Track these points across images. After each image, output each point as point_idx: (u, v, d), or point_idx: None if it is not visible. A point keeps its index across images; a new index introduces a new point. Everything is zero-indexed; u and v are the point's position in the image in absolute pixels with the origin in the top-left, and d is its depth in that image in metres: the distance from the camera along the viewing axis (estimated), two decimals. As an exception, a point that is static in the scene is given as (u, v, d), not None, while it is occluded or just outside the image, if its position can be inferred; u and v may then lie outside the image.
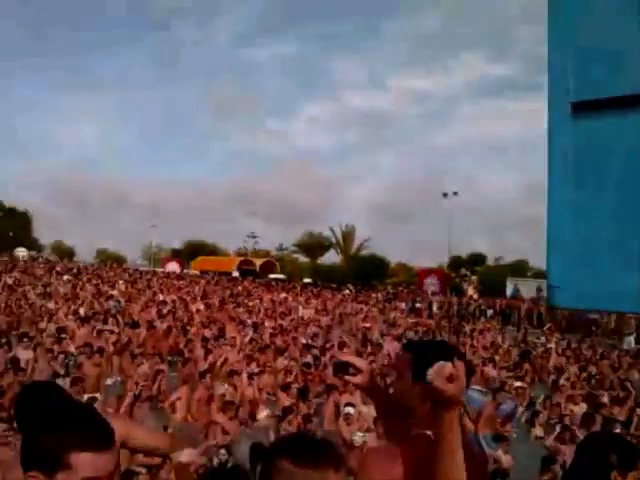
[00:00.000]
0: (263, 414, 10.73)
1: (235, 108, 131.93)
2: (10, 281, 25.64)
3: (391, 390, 2.44)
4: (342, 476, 1.65)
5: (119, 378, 12.38)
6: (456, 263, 53.78)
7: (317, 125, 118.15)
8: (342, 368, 2.50)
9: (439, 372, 1.82)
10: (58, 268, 37.59)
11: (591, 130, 2.28)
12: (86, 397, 8.88)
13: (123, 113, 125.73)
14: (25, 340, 12.19)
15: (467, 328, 24.48)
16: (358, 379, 2.46)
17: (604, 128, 2.25)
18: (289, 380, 12.18)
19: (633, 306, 2.20)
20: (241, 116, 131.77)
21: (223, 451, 8.15)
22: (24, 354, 11.41)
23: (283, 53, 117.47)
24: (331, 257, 66.66)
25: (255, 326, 19.10)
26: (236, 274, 51.15)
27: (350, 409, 9.56)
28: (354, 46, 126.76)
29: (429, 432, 2.04)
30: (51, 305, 19.36)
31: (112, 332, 15.19)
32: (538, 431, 11.11)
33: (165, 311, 20.37)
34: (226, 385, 11.01)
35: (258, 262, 56.21)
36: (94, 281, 30.42)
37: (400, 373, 2.26)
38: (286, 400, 10.89)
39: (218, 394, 10.43)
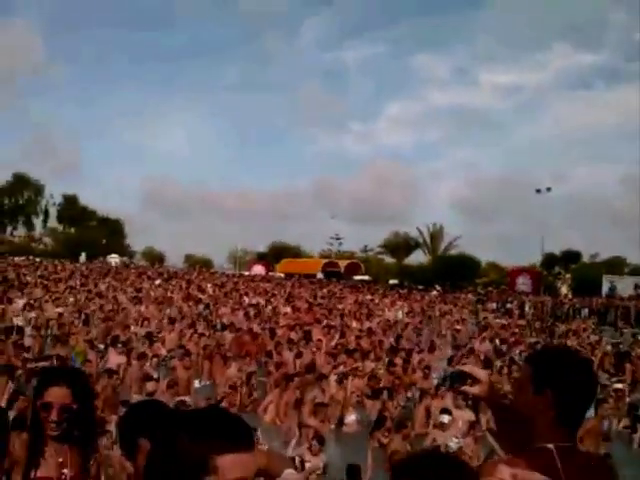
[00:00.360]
0: (351, 418, 10.58)
1: (320, 111, 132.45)
2: (103, 287, 26.56)
3: (511, 400, 2.39)
4: None
5: (208, 382, 12.55)
6: (550, 261, 51.86)
7: (402, 124, 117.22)
8: (460, 379, 2.39)
9: None
10: (149, 273, 38.72)
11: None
12: (177, 399, 8.95)
13: (210, 119, 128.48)
14: (119, 345, 12.51)
15: (561, 329, 23.52)
16: (476, 389, 2.35)
17: None
18: (377, 386, 11.93)
19: None
20: (326, 119, 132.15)
21: (315, 442, 8.08)
22: (117, 358, 11.69)
23: (367, 54, 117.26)
24: (417, 257, 65.94)
25: (342, 328, 18.98)
26: (320, 276, 51.27)
27: (446, 417, 9.24)
28: (439, 43, 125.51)
29: (550, 445, 1.99)
30: (143, 309, 19.89)
31: (202, 335, 15.44)
32: (640, 438, 10.45)
33: (252, 314, 20.59)
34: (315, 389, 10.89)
35: (342, 264, 56.18)
36: (184, 285, 31.20)
37: (521, 385, 2.19)
38: (373, 408, 10.71)
39: (309, 397, 10.33)
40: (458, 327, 21.81)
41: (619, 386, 12.23)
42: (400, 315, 24.58)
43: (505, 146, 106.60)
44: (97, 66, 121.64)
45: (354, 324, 20.45)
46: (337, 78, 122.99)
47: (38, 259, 45.24)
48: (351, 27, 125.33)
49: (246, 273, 52.29)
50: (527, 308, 30.69)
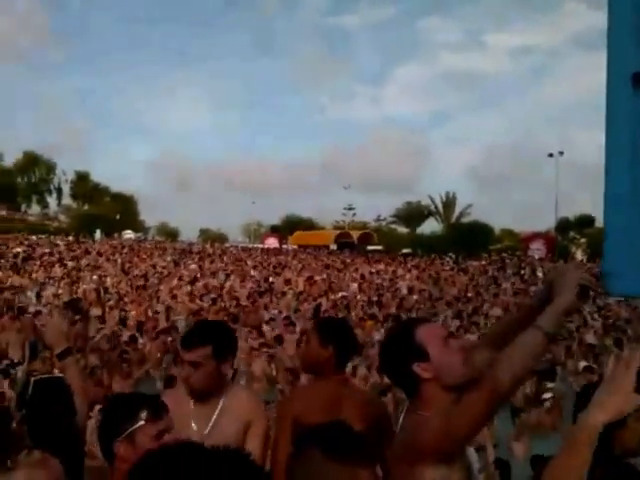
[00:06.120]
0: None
1: (328, 78, 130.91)
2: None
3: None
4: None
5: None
6: (564, 226, 51.30)
7: (412, 90, 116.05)
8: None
9: None
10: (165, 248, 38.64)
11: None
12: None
13: (216, 90, 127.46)
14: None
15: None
16: None
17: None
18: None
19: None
20: (334, 86, 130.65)
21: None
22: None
23: (374, 18, 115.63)
24: (431, 226, 65.60)
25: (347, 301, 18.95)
26: (334, 247, 51.20)
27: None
28: (448, 5, 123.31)
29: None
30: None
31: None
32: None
33: (258, 286, 20.78)
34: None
35: (355, 234, 56.02)
36: (196, 259, 31.37)
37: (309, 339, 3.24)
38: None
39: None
40: (469, 295, 21.73)
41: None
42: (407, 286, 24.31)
43: (518, 110, 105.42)
44: (103, 40, 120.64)
45: (358, 297, 20.29)
46: (343, 43, 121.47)
47: (53, 237, 45.17)
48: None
49: (260, 246, 52.27)
50: (540, 274, 30.12)
